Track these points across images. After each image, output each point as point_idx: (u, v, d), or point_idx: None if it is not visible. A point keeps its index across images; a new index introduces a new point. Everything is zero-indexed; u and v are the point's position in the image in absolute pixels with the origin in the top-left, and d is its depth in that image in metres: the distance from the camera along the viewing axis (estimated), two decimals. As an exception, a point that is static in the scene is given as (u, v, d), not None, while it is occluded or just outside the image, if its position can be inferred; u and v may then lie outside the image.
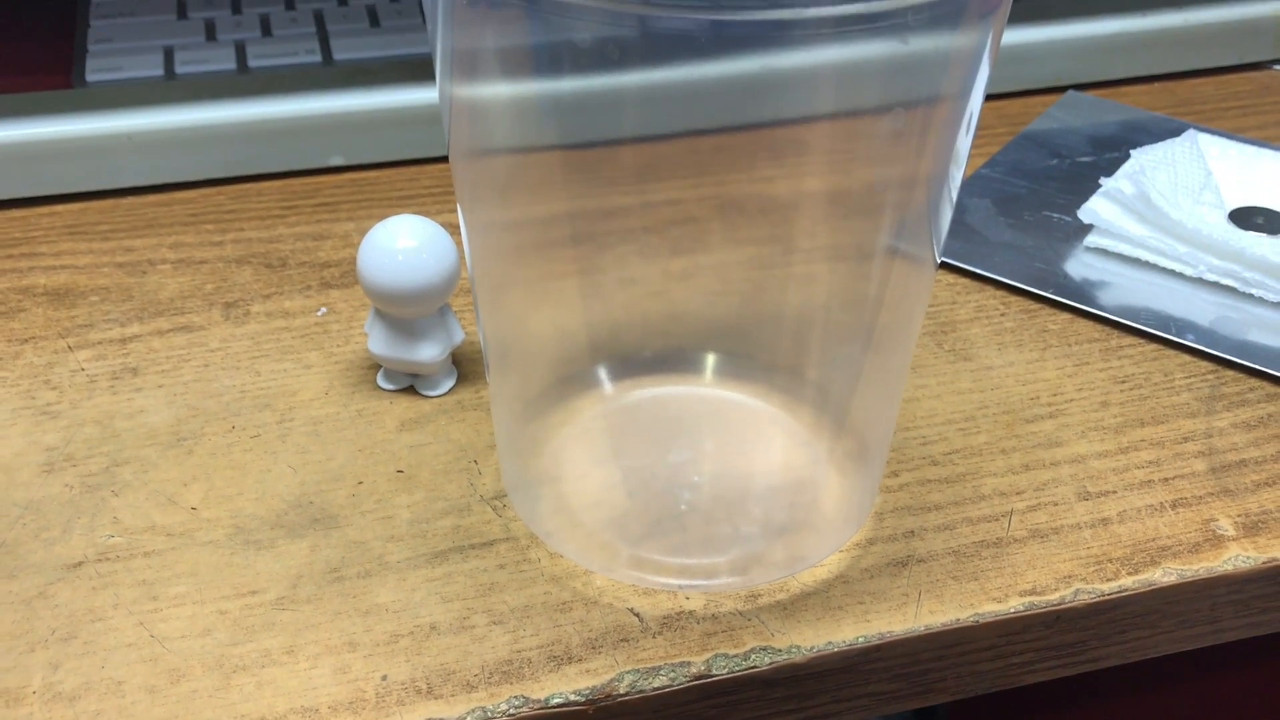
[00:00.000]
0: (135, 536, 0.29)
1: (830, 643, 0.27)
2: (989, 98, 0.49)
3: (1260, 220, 0.39)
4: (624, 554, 0.29)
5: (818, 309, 0.31)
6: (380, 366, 0.34)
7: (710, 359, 0.33)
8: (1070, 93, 0.49)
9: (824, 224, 0.29)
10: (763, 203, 0.29)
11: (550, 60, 0.25)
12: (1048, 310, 0.37)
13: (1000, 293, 0.38)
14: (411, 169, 0.44)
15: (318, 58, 0.46)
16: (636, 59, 0.24)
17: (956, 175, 0.27)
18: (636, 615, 0.28)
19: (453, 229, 0.34)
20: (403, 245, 0.32)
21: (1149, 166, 0.40)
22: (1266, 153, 0.42)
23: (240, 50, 0.46)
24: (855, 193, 0.28)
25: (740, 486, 0.31)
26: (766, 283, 0.31)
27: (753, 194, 0.29)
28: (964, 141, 0.26)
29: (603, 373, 0.33)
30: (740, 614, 0.28)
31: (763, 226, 0.30)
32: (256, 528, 0.30)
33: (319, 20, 0.48)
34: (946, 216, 0.28)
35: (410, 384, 0.34)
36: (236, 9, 0.48)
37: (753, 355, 0.33)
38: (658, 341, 0.33)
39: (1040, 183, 0.43)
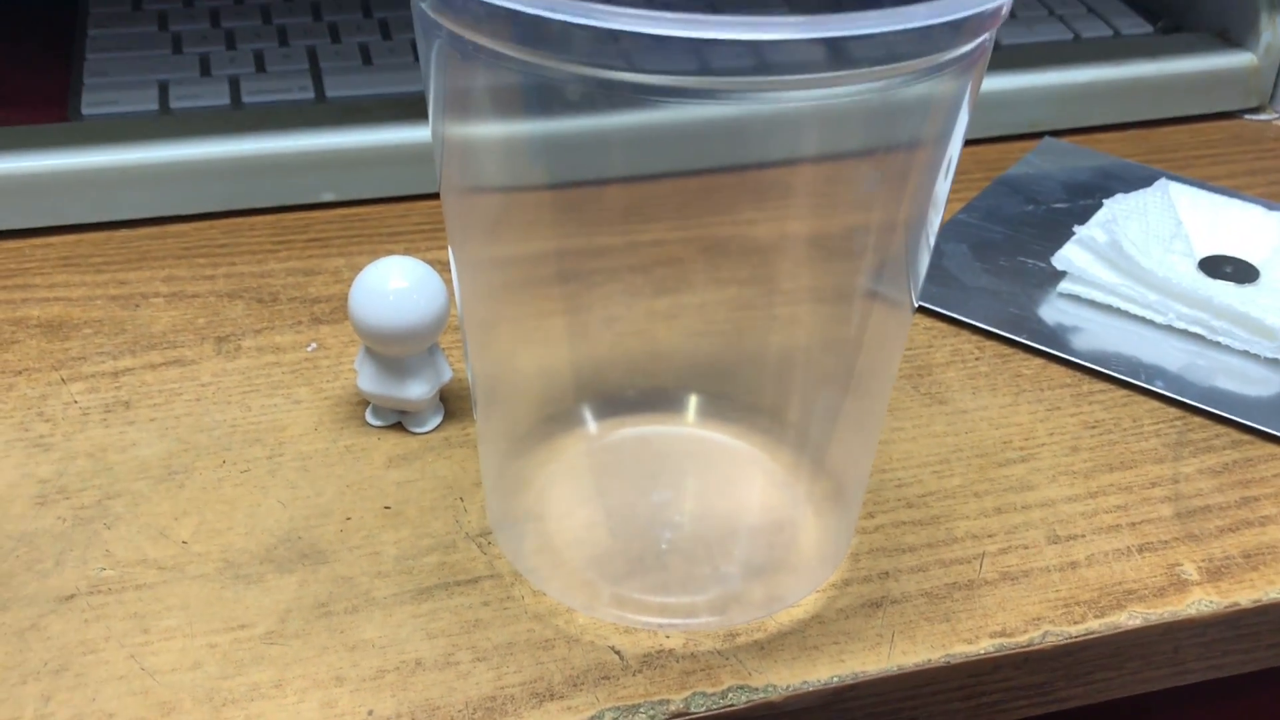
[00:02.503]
0: (127, 569, 0.30)
1: (806, 682, 0.28)
2: (966, 143, 0.50)
3: (1229, 269, 0.41)
4: (606, 592, 0.29)
5: (798, 350, 0.32)
6: (369, 403, 0.35)
7: (692, 399, 0.34)
8: (1047, 139, 0.50)
9: (805, 266, 0.30)
10: (746, 245, 0.30)
11: (540, 104, 0.25)
12: (1021, 355, 0.38)
13: (975, 337, 0.39)
14: (402, 205, 0.44)
15: (311, 94, 0.46)
16: (624, 104, 0.25)
17: (935, 220, 0.28)
18: (617, 653, 0.28)
19: (442, 266, 0.35)
20: (394, 286, 0.32)
21: (1121, 215, 0.41)
22: (1235, 203, 0.44)
23: (234, 85, 0.47)
24: (836, 236, 0.29)
25: (720, 527, 0.32)
26: (749, 324, 0.32)
27: (736, 236, 0.30)
28: (943, 186, 0.27)
29: (587, 412, 0.33)
30: (719, 653, 0.28)
31: (745, 268, 0.31)
32: (246, 562, 0.30)
33: (312, 57, 0.48)
34: (924, 260, 0.29)
35: (398, 420, 0.35)
36: (231, 44, 0.49)
37: (734, 396, 0.34)
38: (642, 380, 0.34)
39: (1016, 228, 0.44)
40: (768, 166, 0.26)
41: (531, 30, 0.21)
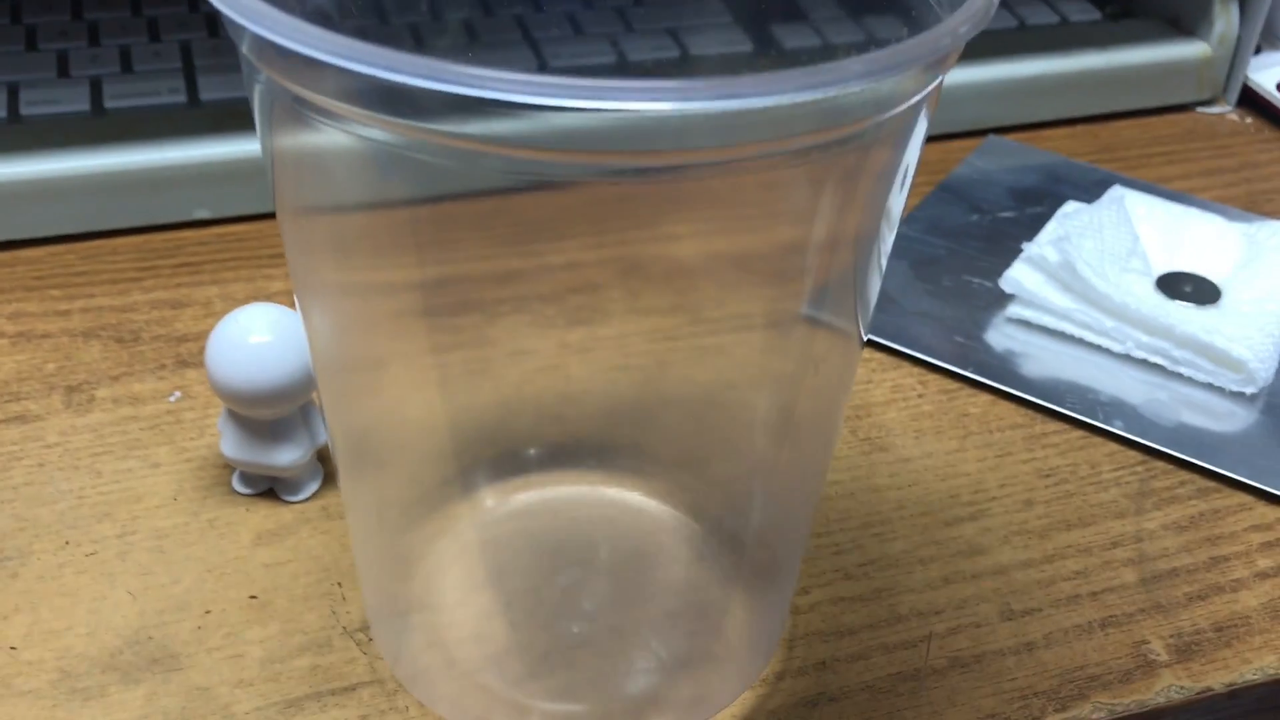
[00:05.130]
0: (-58, 685, 0.26)
1: (732, 805, 0.24)
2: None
3: (1189, 289, 0.37)
4: (503, 699, 0.26)
5: (725, 392, 0.28)
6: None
7: (605, 453, 0.30)
8: (990, 137, 0.47)
9: (734, 291, 0.26)
10: (669, 266, 0.26)
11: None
12: (968, 390, 0.35)
13: (918, 370, 0.35)
14: (285, 223, 0.40)
15: (183, 97, 0.41)
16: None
17: (888, 237, 0.24)
18: (515, 776, 0.25)
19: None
20: (255, 340, 0.28)
21: (1074, 232, 0.38)
22: (1195, 213, 0.40)
23: (96, 88, 0.42)
24: (772, 254, 0.24)
25: (638, 613, 0.28)
26: (670, 361, 0.28)
27: (659, 255, 0.26)
28: (897, 199, 0.23)
29: (481, 474, 0.29)
30: (632, 770, 0.25)
31: (667, 294, 0.27)
32: (86, 671, 0.26)
33: (186, 54, 0.43)
34: (875, 285, 0.24)
35: (269, 486, 0.30)
36: (94, 40, 0.44)
37: (653, 448, 0.30)
38: (547, 429, 0.30)
39: (960, 242, 0.40)
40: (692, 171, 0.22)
41: (375, 93, 0.17)
